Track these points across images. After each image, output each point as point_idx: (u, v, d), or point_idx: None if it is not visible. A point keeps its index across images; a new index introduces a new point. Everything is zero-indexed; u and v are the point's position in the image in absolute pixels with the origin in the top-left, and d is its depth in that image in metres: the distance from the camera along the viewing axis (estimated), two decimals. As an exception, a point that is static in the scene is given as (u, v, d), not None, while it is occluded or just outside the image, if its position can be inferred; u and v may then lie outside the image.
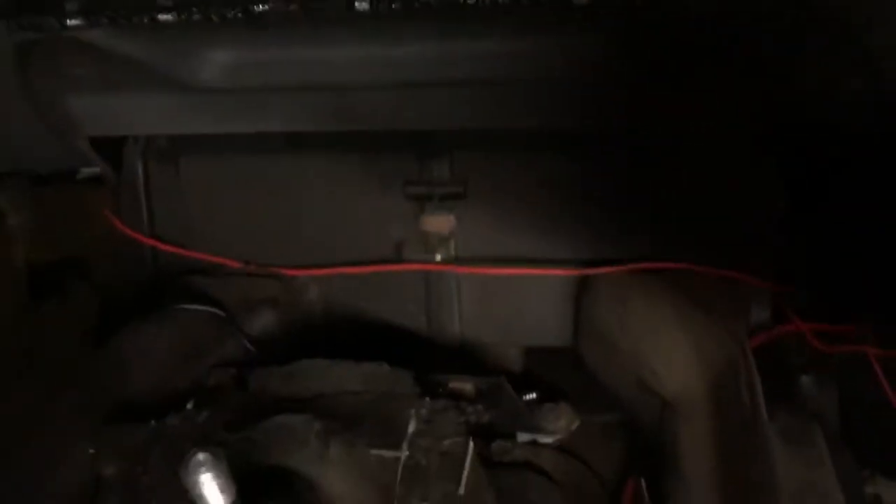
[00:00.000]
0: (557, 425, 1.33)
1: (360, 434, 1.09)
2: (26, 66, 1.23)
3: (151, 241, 1.55)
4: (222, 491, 0.75)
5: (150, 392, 1.30)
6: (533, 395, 1.39)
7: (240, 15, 1.09)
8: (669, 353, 1.21)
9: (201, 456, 0.73)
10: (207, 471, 0.73)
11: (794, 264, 1.45)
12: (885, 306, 1.53)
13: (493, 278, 1.43)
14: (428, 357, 1.45)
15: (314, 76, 1.25)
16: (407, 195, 1.43)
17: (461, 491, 1.02)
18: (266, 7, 1.07)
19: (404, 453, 1.04)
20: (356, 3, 1.04)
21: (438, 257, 1.45)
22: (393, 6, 1.04)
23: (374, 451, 1.06)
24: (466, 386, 1.27)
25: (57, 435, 1.23)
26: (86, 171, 1.68)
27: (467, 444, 1.07)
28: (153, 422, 1.19)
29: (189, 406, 1.21)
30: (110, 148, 1.54)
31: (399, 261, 1.46)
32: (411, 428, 1.07)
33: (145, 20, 1.10)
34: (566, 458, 1.33)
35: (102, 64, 1.26)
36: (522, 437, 1.34)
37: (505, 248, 1.43)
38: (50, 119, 1.36)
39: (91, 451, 1.18)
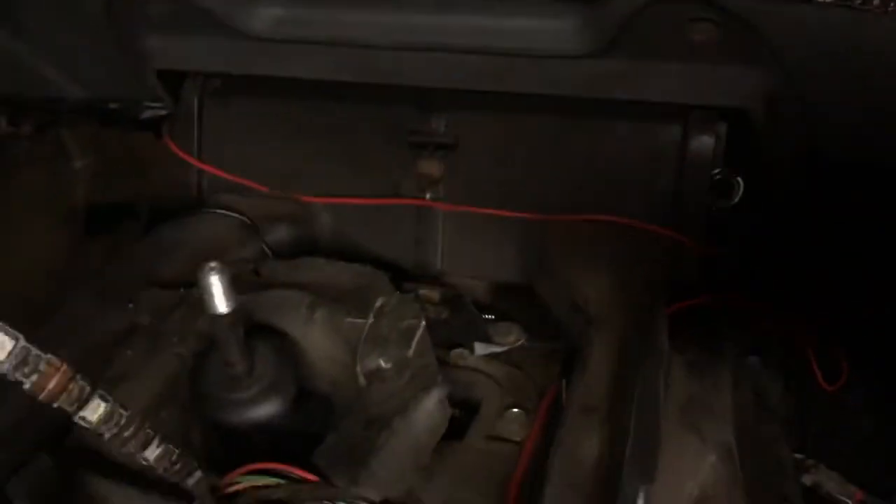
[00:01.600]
0: (507, 339, 1.61)
1: (340, 306, 1.39)
2: (112, 2, 1.52)
3: (199, 163, 1.86)
4: (225, 292, 1.05)
5: (181, 273, 1.60)
6: (492, 317, 1.68)
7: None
8: (597, 281, 1.48)
9: (213, 263, 1.04)
10: (216, 274, 1.03)
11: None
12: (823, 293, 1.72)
13: (471, 218, 1.71)
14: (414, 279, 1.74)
15: (344, 34, 1.55)
16: (409, 142, 1.73)
17: (410, 353, 1.31)
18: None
19: (370, 321, 1.33)
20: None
21: (428, 195, 1.74)
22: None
23: (349, 319, 1.36)
24: (433, 293, 1.56)
25: (105, 295, 1.55)
26: (149, 113, 1.99)
27: (419, 324, 1.36)
28: (181, 289, 1.50)
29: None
30: (173, 83, 1.85)
31: (396, 196, 1.76)
32: (377, 304, 1.36)
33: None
34: (511, 370, 1.59)
35: (175, 7, 1.57)
36: (479, 348, 1.62)
37: (483, 195, 1.69)
38: (128, 51, 1.67)
39: (130, 305, 1.49)
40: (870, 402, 1.64)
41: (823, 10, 1.16)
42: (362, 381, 1.29)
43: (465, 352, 1.59)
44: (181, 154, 1.85)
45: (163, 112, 1.91)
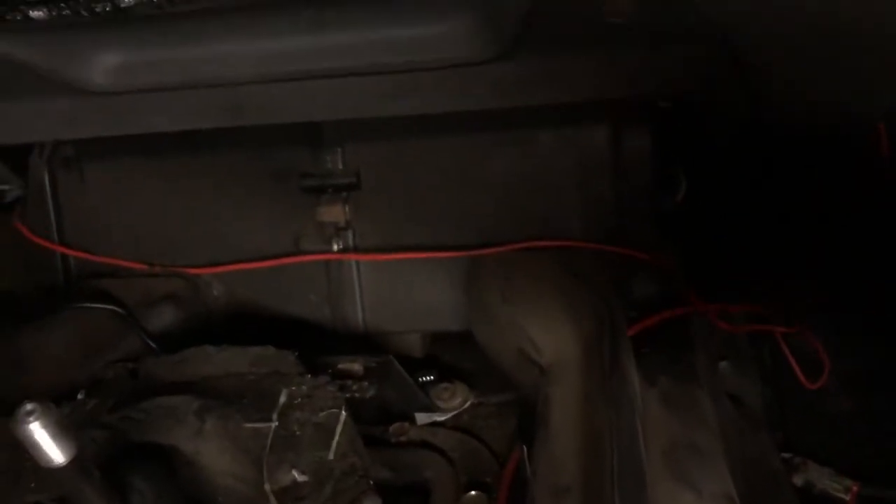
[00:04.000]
0: (451, 403, 1.37)
1: (237, 409, 1.11)
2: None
3: (59, 248, 1.58)
4: (55, 441, 0.77)
5: (47, 387, 1.31)
6: (430, 377, 1.43)
7: (108, 8, 1.13)
8: (546, 322, 1.25)
9: (29, 405, 0.76)
10: (36, 420, 0.76)
11: (694, 245, 1.51)
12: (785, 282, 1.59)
13: (390, 266, 1.47)
14: (333, 346, 1.48)
15: (199, 74, 1.29)
16: (302, 188, 1.47)
17: (330, 456, 1.05)
18: (131, 1, 1.12)
19: (274, 423, 1.06)
20: (215, -10, 1.08)
21: (336, 247, 1.49)
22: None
23: (248, 425, 1.08)
24: (354, 366, 1.30)
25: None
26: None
27: (339, 415, 1.09)
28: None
29: (80, 396, 1.23)
30: (15, 158, 1.58)
31: (298, 253, 1.50)
32: (282, 399, 1.09)
33: (18, 17, 1.14)
34: (461, 437, 1.37)
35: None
36: (421, 418, 1.38)
37: (400, 235, 1.47)
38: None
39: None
40: (847, 382, 1.57)
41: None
42: (274, 502, 1.02)
43: (406, 424, 1.36)
44: (36, 239, 1.55)
45: (15, 193, 1.63)
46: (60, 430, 0.78)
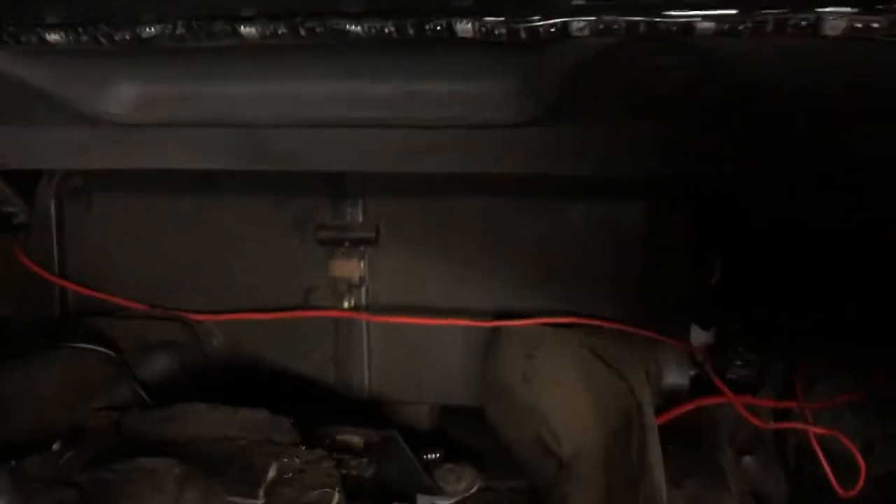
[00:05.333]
0: (457, 487, 1.25)
1: (221, 480, 1.01)
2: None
3: (58, 280, 1.50)
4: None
5: (26, 431, 1.22)
6: (436, 455, 1.32)
7: (128, 37, 1.06)
8: (568, 410, 1.14)
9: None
10: (-19, 493, 0.66)
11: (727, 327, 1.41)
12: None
13: (403, 330, 1.38)
14: (334, 411, 1.38)
15: (221, 112, 1.22)
16: (318, 239, 1.39)
17: (319, 544, 0.94)
18: (153, 31, 1.05)
19: (260, 501, 0.95)
20: (242, 28, 1.01)
21: (347, 305, 1.39)
22: (279, 32, 1.02)
23: (232, 499, 0.98)
24: (354, 438, 1.20)
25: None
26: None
27: (332, 495, 0.98)
28: (12, 462, 1.11)
29: (55, 447, 1.13)
30: (25, 184, 1.51)
31: (307, 307, 1.40)
32: (271, 475, 0.99)
33: (34, 40, 1.08)
34: (464, 524, 1.24)
35: (8, 94, 1.23)
36: (423, 501, 1.26)
37: (416, 297, 1.38)
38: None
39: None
40: (882, 487, 1.42)
41: (835, 45, 0.87)
42: None
43: (403, 506, 1.22)
44: (35, 269, 1.48)
45: (20, 219, 1.56)
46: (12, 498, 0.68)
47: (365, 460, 1.14)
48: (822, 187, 1.18)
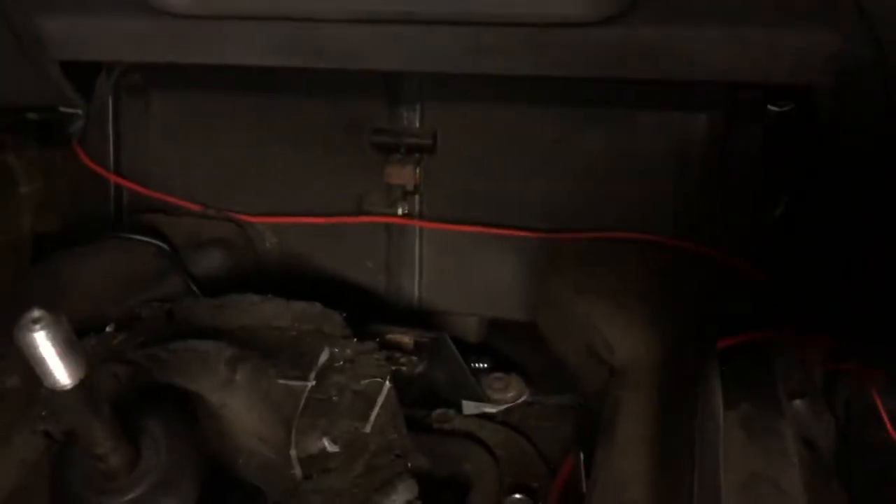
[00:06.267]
0: (504, 396, 1.25)
1: (272, 363, 1.01)
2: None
3: (113, 177, 1.50)
4: (62, 359, 0.67)
5: (80, 318, 1.22)
6: (484, 364, 1.31)
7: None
8: (623, 320, 1.11)
9: (36, 312, 0.65)
10: (42, 329, 0.65)
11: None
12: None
13: (456, 239, 1.36)
14: (384, 317, 1.37)
15: (279, 6, 1.20)
16: (373, 144, 1.36)
17: (367, 429, 0.93)
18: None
19: (310, 384, 0.95)
20: None
21: (401, 212, 1.37)
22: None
23: (282, 381, 0.98)
24: (405, 338, 1.19)
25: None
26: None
27: (383, 385, 0.97)
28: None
29: (109, 328, 1.14)
30: (84, 79, 1.50)
31: (360, 213, 1.39)
32: (322, 360, 0.98)
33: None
34: (510, 434, 1.24)
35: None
36: (469, 407, 1.25)
37: (471, 208, 1.36)
38: (24, 41, 1.33)
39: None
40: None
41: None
42: (298, 472, 0.90)
43: (451, 412, 1.24)
44: (92, 166, 1.48)
45: (78, 124, 1.57)
46: (69, 348, 0.68)
47: (414, 358, 1.13)
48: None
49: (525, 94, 1.30)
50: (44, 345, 0.66)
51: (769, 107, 1.27)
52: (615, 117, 1.29)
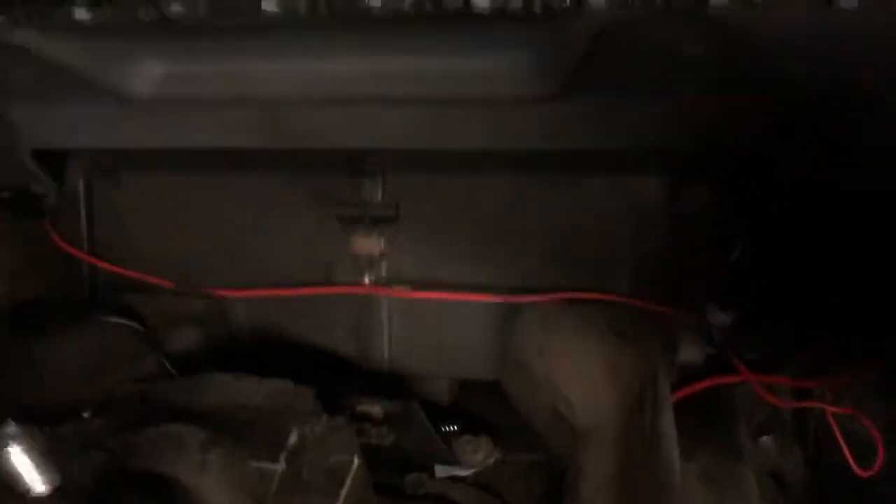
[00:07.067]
0: (474, 458, 1.28)
1: (244, 446, 1.04)
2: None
3: (87, 258, 1.54)
4: (37, 467, 0.71)
5: (56, 400, 1.26)
6: (454, 427, 1.34)
7: (154, 16, 1.09)
8: (584, 382, 1.16)
9: (11, 428, 0.69)
10: (16, 444, 0.69)
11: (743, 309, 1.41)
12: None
13: (423, 304, 1.40)
14: (355, 384, 1.41)
15: (245, 89, 1.25)
16: (338, 216, 1.41)
17: (338, 505, 0.96)
18: (178, 9, 1.08)
19: (281, 465, 0.98)
20: (263, 4, 1.03)
21: (368, 280, 1.42)
22: (300, 10, 1.04)
23: (255, 463, 1.01)
24: (374, 409, 1.22)
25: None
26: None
27: (352, 461, 1.01)
28: (46, 428, 1.14)
29: (86, 415, 1.17)
30: (55, 163, 1.55)
31: (329, 283, 1.43)
32: (293, 441, 1.01)
33: (62, 18, 1.10)
34: (482, 495, 1.27)
35: (38, 72, 1.27)
36: (441, 471, 1.29)
37: (435, 273, 1.40)
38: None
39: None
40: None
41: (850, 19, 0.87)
42: (273, 554, 0.94)
43: (423, 476, 1.27)
44: (64, 246, 1.51)
45: (50, 201, 1.61)
46: (43, 458, 0.71)
47: (385, 429, 1.17)
48: (843, 160, 1.18)
49: (482, 163, 1.35)
50: (18, 458, 0.70)
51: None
52: (569, 182, 1.34)
